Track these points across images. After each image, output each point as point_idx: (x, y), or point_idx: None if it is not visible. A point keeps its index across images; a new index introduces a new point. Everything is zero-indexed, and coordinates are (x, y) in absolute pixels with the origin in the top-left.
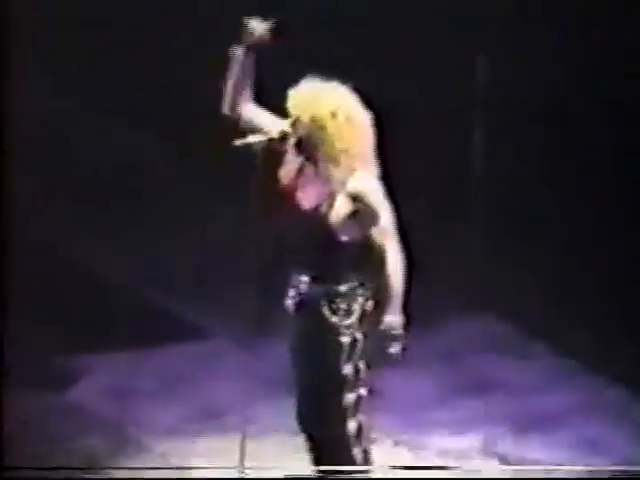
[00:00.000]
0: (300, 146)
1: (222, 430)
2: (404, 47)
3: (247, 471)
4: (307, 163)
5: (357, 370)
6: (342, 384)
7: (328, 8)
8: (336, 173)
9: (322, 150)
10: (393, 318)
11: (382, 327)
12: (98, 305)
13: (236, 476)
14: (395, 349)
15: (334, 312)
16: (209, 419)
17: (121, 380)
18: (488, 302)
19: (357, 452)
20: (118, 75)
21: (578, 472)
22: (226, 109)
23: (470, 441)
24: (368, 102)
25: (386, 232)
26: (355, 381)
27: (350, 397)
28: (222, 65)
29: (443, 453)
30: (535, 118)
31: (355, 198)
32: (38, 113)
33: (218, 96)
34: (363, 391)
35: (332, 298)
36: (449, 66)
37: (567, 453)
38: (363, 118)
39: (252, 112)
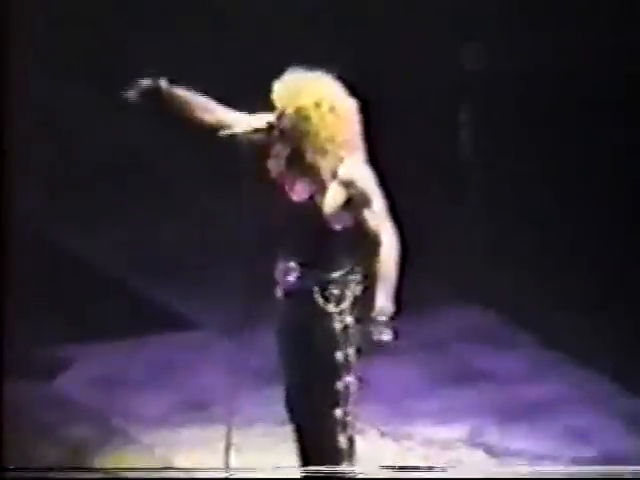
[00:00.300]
0: (285, 137)
1: (208, 420)
2: (392, 36)
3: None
4: (294, 154)
5: (347, 357)
6: (332, 371)
7: None
8: (324, 162)
9: (308, 140)
10: (385, 304)
11: (373, 313)
12: (85, 295)
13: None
14: (386, 336)
15: (326, 299)
16: (196, 409)
17: (108, 370)
18: (476, 292)
19: (342, 440)
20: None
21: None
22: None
23: (456, 431)
24: (352, 89)
25: (379, 217)
26: (345, 369)
27: (339, 385)
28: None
29: (428, 443)
30: (526, 108)
31: (347, 185)
32: (38, 113)
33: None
34: (352, 379)
35: (324, 285)
36: (437, 54)
37: (553, 444)
38: (347, 106)
39: (230, 117)
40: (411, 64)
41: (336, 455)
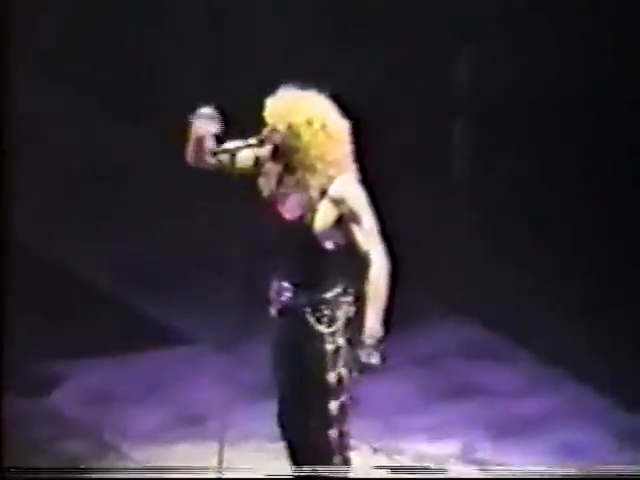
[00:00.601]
0: (276, 153)
1: (202, 436)
2: (389, 38)
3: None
4: (285, 172)
5: (340, 378)
6: (325, 392)
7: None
8: (313, 181)
9: (298, 157)
10: (374, 325)
11: (363, 336)
12: (79, 310)
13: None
14: (374, 359)
15: (318, 320)
16: (189, 424)
17: (101, 385)
18: (470, 307)
19: (337, 460)
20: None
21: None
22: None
23: (449, 447)
24: (345, 108)
25: (369, 236)
26: (338, 389)
27: (333, 405)
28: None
29: (421, 459)
30: (520, 110)
31: (337, 203)
32: (38, 113)
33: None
34: (346, 399)
35: (316, 305)
36: (434, 57)
37: (547, 459)
38: (339, 126)
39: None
40: (407, 66)
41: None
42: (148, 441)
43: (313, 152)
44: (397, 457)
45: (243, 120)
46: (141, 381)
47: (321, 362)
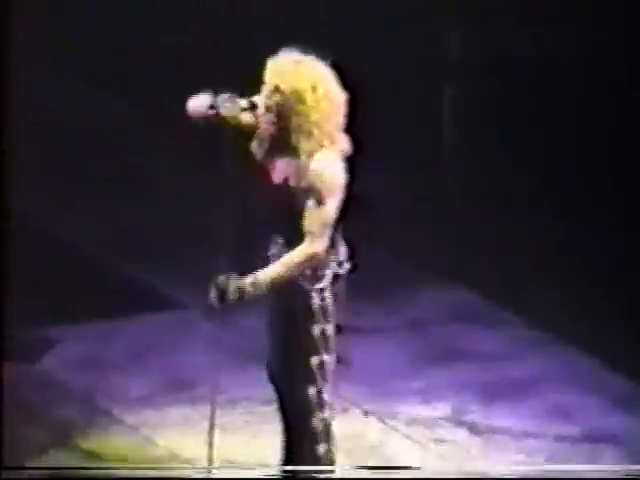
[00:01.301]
0: (273, 114)
1: (192, 400)
2: (375, 19)
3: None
4: (278, 134)
5: (324, 333)
6: (308, 347)
7: None
8: (306, 145)
9: (296, 121)
10: (248, 284)
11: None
12: (66, 277)
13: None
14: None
15: (305, 275)
16: (180, 389)
17: (92, 351)
18: (458, 273)
19: (316, 421)
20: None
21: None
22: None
23: (439, 410)
24: (344, 82)
25: (319, 222)
26: (321, 345)
27: (314, 361)
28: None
29: (412, 422)
30: (509, 86)
31: (312, 175)
32: (38, 111)
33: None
34: (328, 357)
35: None
36: (420, 38)
37: (536, 421)
38: (339, 96)
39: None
40: (394, 48)
41: (312, 436)
42: (140, 405)
43: (313, 117)
44: (389, 421)
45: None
46: (130, 347)
47: (307, 317)
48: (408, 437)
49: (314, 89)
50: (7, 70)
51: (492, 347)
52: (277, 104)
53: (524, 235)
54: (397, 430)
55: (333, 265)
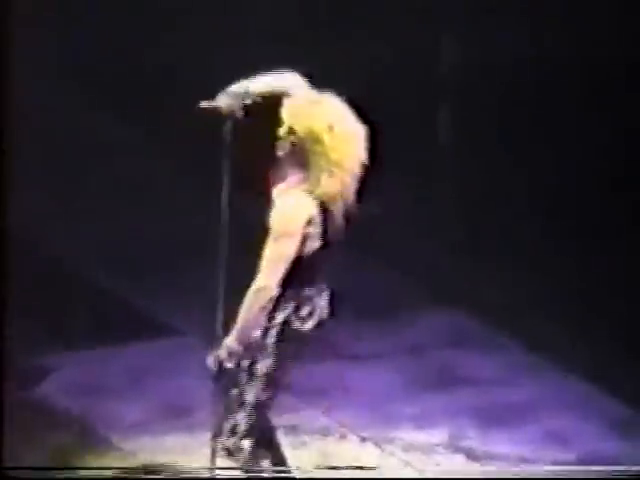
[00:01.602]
0: (294, 152)
1: (191, 427)
2: (373, 29)
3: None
4: (296, 167)
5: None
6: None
7: None
8: (326, 182)
9: (314, 160)
10: (231, 344)
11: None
12: (65, 302)
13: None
14: (211, 363)
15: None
16: (178, 416)
17: (89, 378)
18: (456, 296)
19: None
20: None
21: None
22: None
23: (436, 435)
24: (363, 115)
25: (270, 258)
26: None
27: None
28: None
29: (409, 447)
30: (508, 87)
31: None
32: (38, 112)
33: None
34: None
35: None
36: (417, 47)
37: (533, 447)
38: (359, 132)
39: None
40: (392, 56)
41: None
42: (137, 432)
43: (333, 157)
44: (386, 446)
45: None
46: (128, 373)
47: None
48: (406, 463)
49: (330, 129)
50: (7, 70)
51: (489, 372)
52: (292, 143)
53: (523, 259)
54: (394, 455)
55: (289, 315)
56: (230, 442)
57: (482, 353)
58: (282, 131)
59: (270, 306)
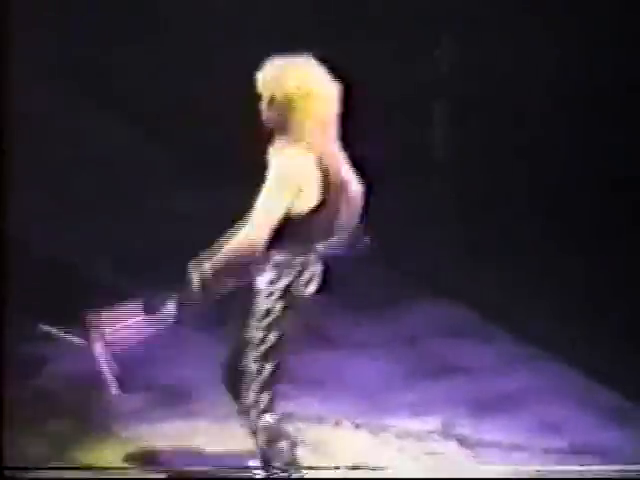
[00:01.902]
0: (278, 121)
1: (189, 414)
2: (370, 29)
3: None
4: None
5: (264, 340)
6: (248, 351)
7: None
8: (315, 141)
9: (300, 122)
10: (204, 269)
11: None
12: (65, 302)
13: None
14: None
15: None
16: (176, 403)
17: (88, 366)
18: (450, 286)
19: (249, 423)
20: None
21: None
22: None
23: (430, 423)
24: (335, 70)
25: (258, 209)
26: (262, 350)
27: (253, 366)
28: None
29: (403, 435)
30: (502, 103)
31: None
32: (38, 113)
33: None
34: (268, 366)
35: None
36: (414, 48)
37: (527, 436)
38: (330, 90)
39: None
40: (388, 56)
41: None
42: (136, 420)
43: (315, 115)
44: (380, 433)
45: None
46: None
47: (251, 321)
48: (400, 449)
49: (299, 89)
50: (7, 70)
51: (482, 361)
52: (277, 113)
53: (517, 250)
54: (388, 443)
55: (290, 274)
56: (253, 418)
57: (474, 343)
58: (264, 103)
59: (252, 263)
